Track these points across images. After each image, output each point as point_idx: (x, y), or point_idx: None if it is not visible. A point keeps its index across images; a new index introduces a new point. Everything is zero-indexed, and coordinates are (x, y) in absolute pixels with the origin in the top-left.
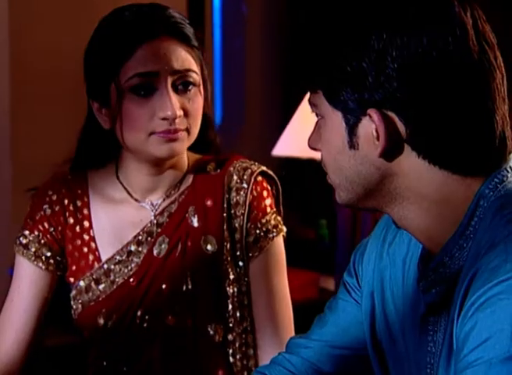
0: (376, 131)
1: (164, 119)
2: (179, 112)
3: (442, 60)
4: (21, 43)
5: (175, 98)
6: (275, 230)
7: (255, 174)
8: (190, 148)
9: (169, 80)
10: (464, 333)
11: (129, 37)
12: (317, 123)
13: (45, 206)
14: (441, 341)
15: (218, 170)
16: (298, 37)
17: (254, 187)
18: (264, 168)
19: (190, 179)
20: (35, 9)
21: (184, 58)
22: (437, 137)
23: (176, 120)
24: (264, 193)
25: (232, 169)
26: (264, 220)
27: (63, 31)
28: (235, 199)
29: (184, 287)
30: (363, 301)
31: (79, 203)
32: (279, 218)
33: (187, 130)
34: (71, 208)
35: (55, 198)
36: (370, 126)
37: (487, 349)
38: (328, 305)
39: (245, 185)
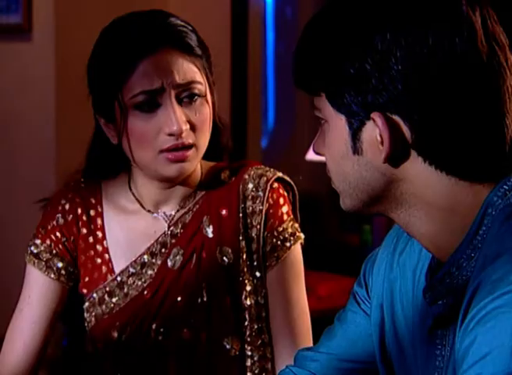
0: (380, 136)
1: (170, 134)
2: (185, 126)
3: (448, 62)
4: (67, 48)
5: (180, 112)
6: (292, 238)
7: (271, 181)
8: (203, 156)
9: (173, 94)
10: (463, 347)
11: (129, 53)
12: (321, 127)
13: (58, 215)
14: (448, 356)
15: (233, 178)
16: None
17: (270, 194)
18: (279, 174)
19: (204, 188)
20: (81, 13)
21: (187, 70)
22: (444, 142)
23: (183, 134)
24: (281, 200)
25: (247, 176)
26: (281, 228)
27: None
28: (251, 208)
29: (199, 300)
30: (372, 312)
31: (92, 213)
32: (296, 225)
33: (195, 146)
34: (84, 218)
35: (67, 207)
36: (374, 130)
37: (486, 365)
38: (338, 316)
39: (261, 193)
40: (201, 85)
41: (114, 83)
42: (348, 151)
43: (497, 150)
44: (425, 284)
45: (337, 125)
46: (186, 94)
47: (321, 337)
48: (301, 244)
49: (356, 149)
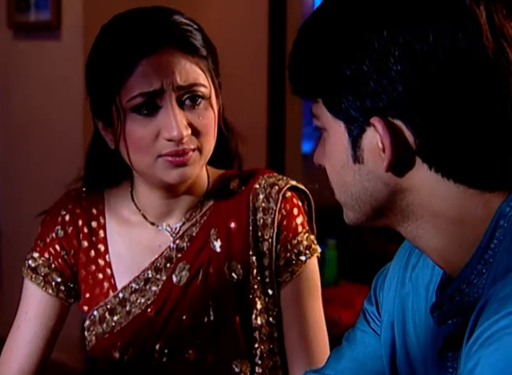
0: (381, 142)
1: (170, 140)
2: (186, 132)
3: (450, 60)
4: None
5: (181, 116)
6: (307, 252)
7: (283, 191)
8: (211, 163)
9: (173, 97)
10: (467, 371)
11: (128, 53)
12: (321, 136)
13: (57, 227)
14: None
15: (243, 188)
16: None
17: (282, 205)
18: (293, 182)
19: (211, 198)
20: (111, 11)
21: (189, 72)
22: (450, 147)
23: (184, 140)
24: (295, 211)
25: (257, 186)
26: (295, 241)
27: None
28: (262, 220)
29: (206, 319)
30: (382, 331)
31: (94, 224)
32: (312, 237)
33: (199, 150)
34: (85, 230)
35: (68, 218)
36: (375, 136)
37: None
38: (346, 336)
39: (272, 204)
40: (205, 88)
41: (111, 85)
42: (348, 160)
43: (508, 154)
44: (433, 302)
45: (336, 132)
46: (189, 97)
47: (328, 358)
48: (317, 257)
49: (356, 158)
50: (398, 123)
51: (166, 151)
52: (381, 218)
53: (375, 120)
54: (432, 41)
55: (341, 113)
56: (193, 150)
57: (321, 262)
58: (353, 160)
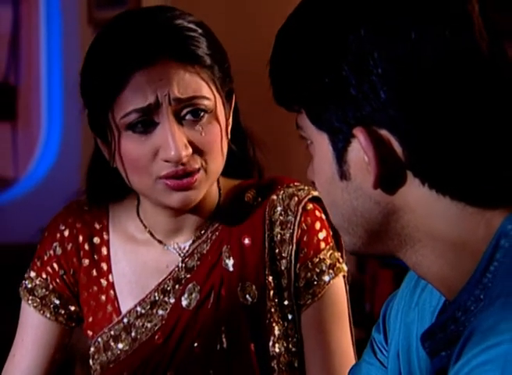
0: (367, 155)
1: (167, 161)
2: (186, 151)
3: (438, 61)
4: None
5: (179, 134)
6: (331, 271)
7: (303, 202)
8: (226, 173)
9: (171, 111)
10: None
11: (120, 65)
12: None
13: (55, 244)
14: None
15: (259, 199)
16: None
17: (302, 218)
18: (315, 193)
19: (224, 212)
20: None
21: (188, 83)
22: (442, 159)
23: (184, 160)
24: (317, 225)
25: (275, 197)
26: (316, 259)
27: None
28: (279, 236)
29: (218, 346)
30: (389, 363)
31: (96, 240)
32: (337, 255)
33: (204, 169)
34: (86, 246)
35: (67, 234)
36: (360, 149)
37: None
38: (351, 369)
39: (291, 218)
40: (208, 100)
41: (103, 100)
42: (335, 176)
43: (509, 165)
44: (424, 330)
45: (321, 145)
46: (189, 111)
47: None
48: (344, 276)
49: (343, 173)
50: (384, 133)
51: (165, 172)
52: (377, 243)
53: (357, 131)
54: (415, 40)
55: (324, 124)
56: (198, 170)
57: None
58: (339, 176)
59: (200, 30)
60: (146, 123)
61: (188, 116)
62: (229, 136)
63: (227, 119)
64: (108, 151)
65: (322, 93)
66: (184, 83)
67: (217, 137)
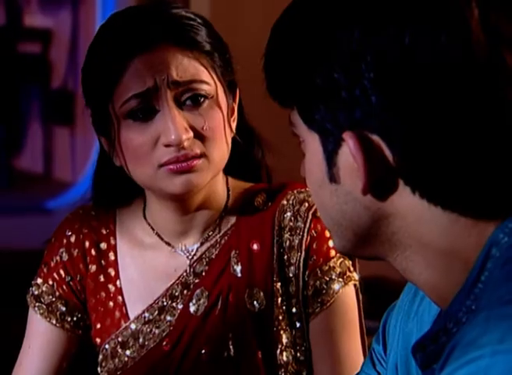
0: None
1: (168, 145)
2: (186, 135)
3: (431, 67)
4: None
5: (179, 118)
6: (341, 280)
7: (313, 209)
8: (237, 175)
9: (170, 96)
10: None
11: (118, 51)
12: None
13: (61, 250)
14: None
15: (269, 204)
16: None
17: (312, 225)
18: None
19: (233, 215)
20: (238, 13)
21: (187, 67)
22: (433, 168)
23: (185, 144)
24: (327, 232)
25: (285, 202)
26: (326, 267)
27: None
28: (288, 242)
29: (225, 353)
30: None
31: (103, 246)
32: (347, 262)
33: (206, 156)
34: (93, 252)
35: (73, 239)
36: (350, 154)
37: None
38: None
39: (300, 224)
40: (208, 85)
41: (103, 88)
42: (324, 178)
43: (504, 176)
44: (415, 342)
45: (312, 145)
46: (189, 96)
47: None
48: (355, 285)
49: (332, 176)
50: (376, 138)
51: (166, 159)
52: (367, 247)
53: (346, 135)
54: (409, 44)
55: (315, 124)
56: (200, 157)
57: None
58: (328, 178)
59: (199, 20)
60: (146, 110)
61: (188, 102)
62: (234, 131)
63: (231, 110)
64: (109, 146)
65: (313, 93)
66: (183, 67)
67: (219, 124)
